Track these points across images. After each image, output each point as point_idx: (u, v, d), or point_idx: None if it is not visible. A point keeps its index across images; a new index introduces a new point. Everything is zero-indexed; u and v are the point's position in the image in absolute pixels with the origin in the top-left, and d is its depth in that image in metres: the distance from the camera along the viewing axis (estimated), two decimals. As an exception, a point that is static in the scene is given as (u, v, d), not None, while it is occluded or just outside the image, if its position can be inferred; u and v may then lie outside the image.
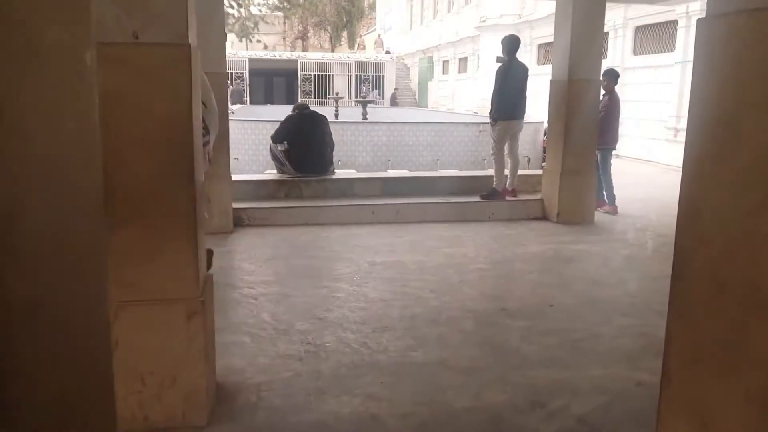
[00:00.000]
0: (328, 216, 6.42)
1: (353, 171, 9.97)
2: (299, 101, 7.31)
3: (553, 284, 4.59)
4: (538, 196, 6.99)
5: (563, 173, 6.60)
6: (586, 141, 6.65)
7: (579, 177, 6.64)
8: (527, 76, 6.93)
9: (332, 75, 27.55)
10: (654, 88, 12.87)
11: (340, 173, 7.60)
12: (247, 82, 26.98)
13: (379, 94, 27.43)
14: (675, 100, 11.97)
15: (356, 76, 27.81)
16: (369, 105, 17.59)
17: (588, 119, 6.59)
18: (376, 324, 3.73)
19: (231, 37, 45.23)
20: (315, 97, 27.11)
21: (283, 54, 29.23)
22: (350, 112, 21.29)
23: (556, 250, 5.55)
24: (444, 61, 27.24)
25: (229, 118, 12.15)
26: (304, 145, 6.87)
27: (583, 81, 6.48)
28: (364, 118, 13.62)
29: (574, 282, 4.65)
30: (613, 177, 7.35)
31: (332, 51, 41.16)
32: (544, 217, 6.82)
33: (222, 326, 3.65)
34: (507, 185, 6.95)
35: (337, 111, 16.29)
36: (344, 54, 31.55)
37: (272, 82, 31.91)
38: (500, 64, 6.84)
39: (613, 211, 7.23)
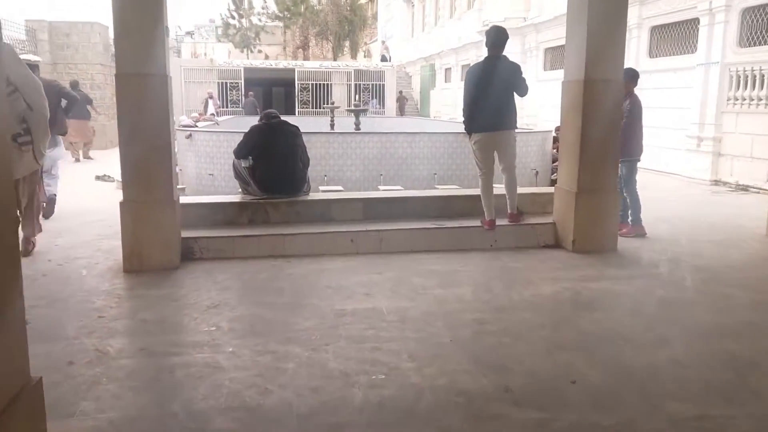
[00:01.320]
0: (298, 246, 5.35)
1: (340, 188, 8.92)
2: (267, 110, 6.13)
3: (572, 345, 3.49)
4: (550, 219, 5.90)
5: (579, 192, 5.51)
6: (607, 152, 5.56)
7: (598, 196, 5.56)
8: (518, 75, 5.58)
9: (330, 84, 26.53)
10: (674, 93, 11.78)
11: (318, 192, 6.55)
12: (243, 93, 25.98)
13: (379, 103, 26.42)
14: (697, 106, 10.86)
15: (355, 84, 26.78)
16: (366, 114, 16.63)
17: (609, 126, 5.51)
18: (328, 417, 2.65)
19: (229, 47, 44.57)
20: (313, 107, 26.14)
21: (280, 63, 28.26)
22: (348, 123, 20.32)
23: (574, 291, 4.44)
24: (446, 69, 26.22)
25: (198, 129, 10.92)
26: (272, 160, 5.81)
27: (602, 81, 5.41)
28: (357, 128, 12.57)
29: (600, 342, 3.54)
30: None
31: (335, 60, 40.26)
32: (556, 245, 5.73)
33: (109, 424, 2.58)
34: (508, 209, 5.82)
35: (332, 121, 15.32)
36: (343, 63, 30.55)
37: (271, 92, 31.00)
38: (471, 63, 5.75)
39: (641, 232, 6.14)
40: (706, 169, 10.59)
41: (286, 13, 44.66)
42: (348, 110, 13.82)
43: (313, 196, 6.01)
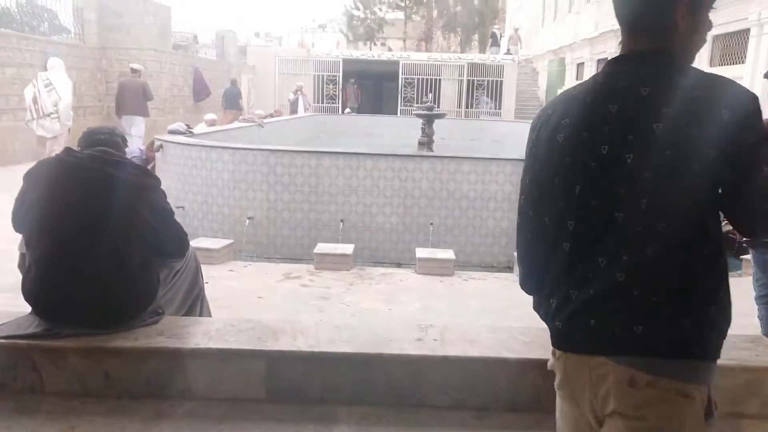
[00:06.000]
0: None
1: (348, 250, 5.50)
2: (91, 129, 2.69)
3: None
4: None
5: None
6: None
7: None
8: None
9: (439, 79, 22.96)
10: None
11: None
12: (340, 86, 23.14)
13: (494, 104, 22.49)
14: None
15: (469, 80, 23.03)
16: (477, 116, 12.60)
17: None
18: None
19: (339, 38, 42.33)
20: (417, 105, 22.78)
21: (383, 55, 25.10)
22: (454, 127, 16.23)
23: None
24: (578, 64, 21.72)
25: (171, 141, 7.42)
26: (58, 247, 2.51)
27: None
28: (427, 145, 8.90)
29: None
30: None
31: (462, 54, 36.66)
32: None
33: None
34: None
35: (424, 128, 11.06)
36: (455, 55, 26.83)
37: (381, 87, 27.98)
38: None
39: None
40: None
41: (407, 1, 41.65)
42: (417, 114, 10.20)
43: (137, 342, 2.59)
